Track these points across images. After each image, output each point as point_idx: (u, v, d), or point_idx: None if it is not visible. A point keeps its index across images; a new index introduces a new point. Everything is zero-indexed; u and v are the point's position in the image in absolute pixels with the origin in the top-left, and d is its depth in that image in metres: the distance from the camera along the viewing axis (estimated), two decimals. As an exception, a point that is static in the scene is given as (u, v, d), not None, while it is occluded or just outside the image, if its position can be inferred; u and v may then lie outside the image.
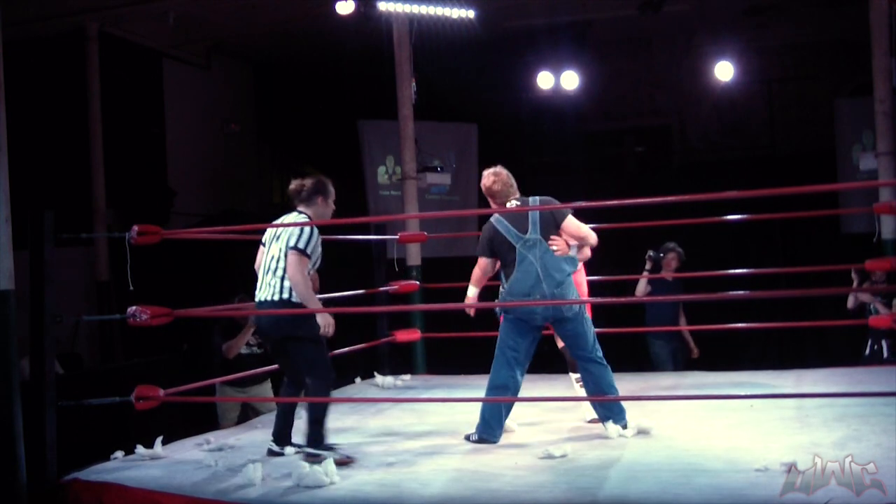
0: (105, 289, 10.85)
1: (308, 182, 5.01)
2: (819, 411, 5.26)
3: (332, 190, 5.04)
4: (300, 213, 4.97)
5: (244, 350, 6.90)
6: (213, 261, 10.52)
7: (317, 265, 4.92)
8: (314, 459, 4.47)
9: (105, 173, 10.86)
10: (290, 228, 4.80)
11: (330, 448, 4.67)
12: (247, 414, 6.89)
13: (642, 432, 4.95)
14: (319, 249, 4.88)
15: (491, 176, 5.27)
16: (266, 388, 6.96)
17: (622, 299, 8.25)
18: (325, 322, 4.80)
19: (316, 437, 4.68)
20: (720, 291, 7.00)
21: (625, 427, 4.93)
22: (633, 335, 8.06)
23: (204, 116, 12.89)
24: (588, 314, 5.24)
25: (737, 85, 11.80)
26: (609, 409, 5.01)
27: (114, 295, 10.69)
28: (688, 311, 8.17)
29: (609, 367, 5.11)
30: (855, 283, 7.32)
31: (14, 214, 4.50)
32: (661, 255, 7.92)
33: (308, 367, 4.78)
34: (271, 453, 4.86)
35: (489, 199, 5.30)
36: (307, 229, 4.78)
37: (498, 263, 5.24)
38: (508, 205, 5.19)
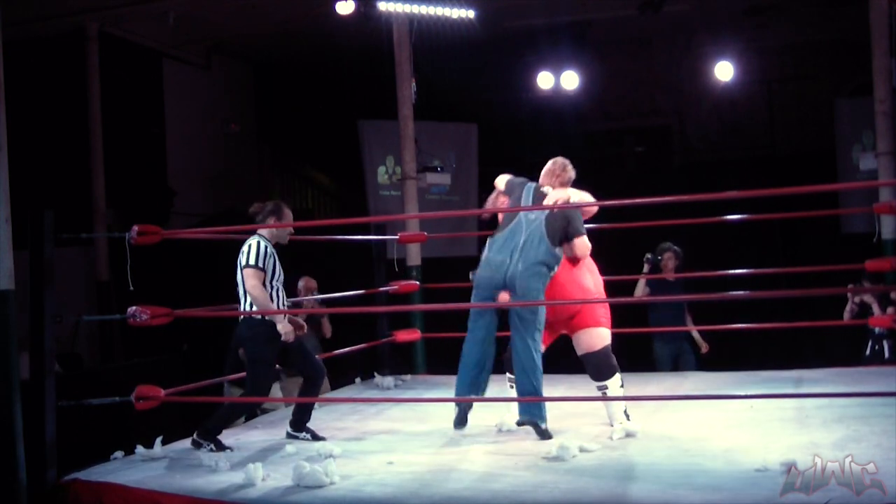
0: (105, 289, 10.85)
1: (266, 205, 5.50)
2: (819, 412, 5.26)
3: (287, 212, 5.49)
4: (255, 234, 5.34)
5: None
6: (213, 261, 10.52)
7: (278, 278, 5.25)
8: (198, 446, 5.00)
9: (105, 173, 10.86)
10: (241, 249, 5.23)
11: (217, 444, 5.02)
12: (255, 415, 6.77)
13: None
14: (275, 264, 5.24)
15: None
16: (276, 389, 6.87)
17: (621, 299, 8.17)
18: (286, 330, 5.17)
19: (209, 430, 5.07)
20: (720, 291, 6.99)
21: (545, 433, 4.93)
22: (634, 336, 7.99)
23: (204, 116, 12.88)
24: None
25: (737, 85, 11.81)
26: (533, 408, 5.00)
27: (114, 295, 10.69)
28: (693, 311, 8.09)
29: (540, 370, 5.07)
30: (849, 304, 7.36)
31: (14, 214, 4.50)
32: (659, 256, 7.89)
33: (246, 383, 5.26)
34: (289, 436, 5.28)
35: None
36: (254, 247, 5.17)
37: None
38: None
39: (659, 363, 7.87)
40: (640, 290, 7.92)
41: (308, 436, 5.25)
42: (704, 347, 8.03)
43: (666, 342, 7.92)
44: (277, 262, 5.26)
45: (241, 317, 5.28)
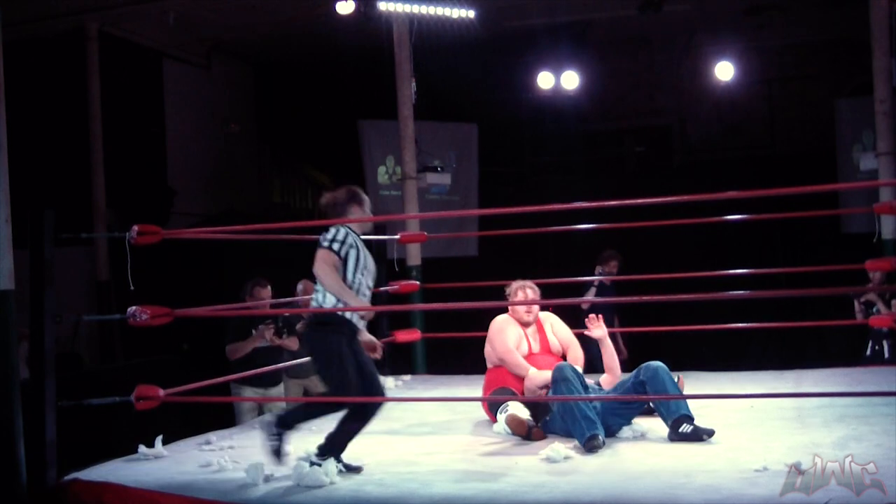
0: (105, 289, 10.85)
1: (339, 193, 4.80)
2: (819, 411, 5.26)
3: (365, 197, 4.83)
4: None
5: (260, 343, 6.77)
6: (213, 261, 10.54)
7: (363, 272, 4.62)
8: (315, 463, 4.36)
9: (105, 173, 10.86)
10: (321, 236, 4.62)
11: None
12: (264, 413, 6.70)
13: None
14: (359, 253, 4.59)
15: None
16: (280, 389, 6.91)
17: (623, 299, 8.26)
18: (365, 316, 4.61)
19: (328, 449, 4.44)
20: (720, 291, 6.98)
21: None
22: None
23: (204, 116, 12.89)
24: None
25: (737, 85, 11.82)
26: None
27: (114, 295, 10.69)
28: (620, 315, 8.35)
29: None
30: (856, 304, 7.38)
31: (14, 214, 4.50)
32: (602, 269, 8.04)
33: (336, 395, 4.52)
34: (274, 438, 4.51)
35: None
36: (333, 231, 4.58)
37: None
38: None
39: (594, 364, 7.91)
40: (590, 296, 8.10)
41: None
42: (624, 354, 8.15)
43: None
44: (363, 251, 4.61)
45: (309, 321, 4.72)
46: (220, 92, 13.23)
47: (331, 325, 4.53)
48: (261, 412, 6.78)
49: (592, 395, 4.99)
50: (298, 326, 7.43)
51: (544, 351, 5.61)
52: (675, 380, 5.39)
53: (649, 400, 5.02)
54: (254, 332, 6.76)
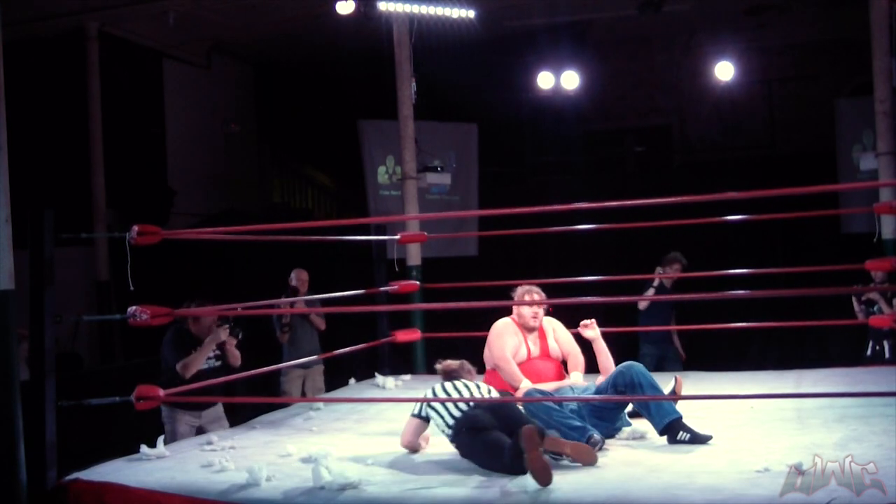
0: (105, 289, 10.86)
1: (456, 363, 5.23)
2: (819, 412, 5.26)
3: (470, 368, 5.23)
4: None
5: (203, 365, 5.94)
6: (213, 260, 10.55)
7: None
8: None
9: (105, 173, 10.88)
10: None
11: None
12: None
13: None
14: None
15: None
16: (219, 409, 6.11)
17: (622, 298, 8.23)
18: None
19: None
20: (720, 291, 6.99)
21: None
22: (623, 337, 7.99)
23: (204, 116, 12.90)
24: None
25: (737, 85, 11.84)
26: None
27: (114, 295, 10.70)
28: (680, 316, 8.26)
29: None
30: (856, 304, 7.38)
31: (14, 214, 4.49)
32: (665, 269, 7.97)
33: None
34: None
35: None
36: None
37: None
38: None
39: (644, 365, 7.90)
40: (644, 302, 7.96)
41: None
42: (683, 356, 8.22)
43: (652, 344, 8.03)
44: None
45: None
46: (220, 92, 13.24)
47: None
48: (199, 431, 5.99)
49: (564, 397, 4.95)
50: (283, 321, 7.43)
51: (543, 355, 5.58)
52: (673, 381, 5.39)
53: (632, 400, 4.99)
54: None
